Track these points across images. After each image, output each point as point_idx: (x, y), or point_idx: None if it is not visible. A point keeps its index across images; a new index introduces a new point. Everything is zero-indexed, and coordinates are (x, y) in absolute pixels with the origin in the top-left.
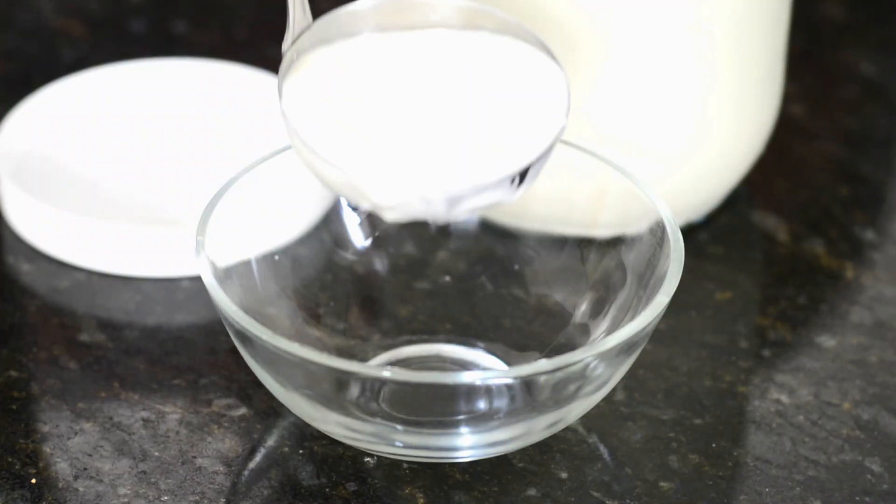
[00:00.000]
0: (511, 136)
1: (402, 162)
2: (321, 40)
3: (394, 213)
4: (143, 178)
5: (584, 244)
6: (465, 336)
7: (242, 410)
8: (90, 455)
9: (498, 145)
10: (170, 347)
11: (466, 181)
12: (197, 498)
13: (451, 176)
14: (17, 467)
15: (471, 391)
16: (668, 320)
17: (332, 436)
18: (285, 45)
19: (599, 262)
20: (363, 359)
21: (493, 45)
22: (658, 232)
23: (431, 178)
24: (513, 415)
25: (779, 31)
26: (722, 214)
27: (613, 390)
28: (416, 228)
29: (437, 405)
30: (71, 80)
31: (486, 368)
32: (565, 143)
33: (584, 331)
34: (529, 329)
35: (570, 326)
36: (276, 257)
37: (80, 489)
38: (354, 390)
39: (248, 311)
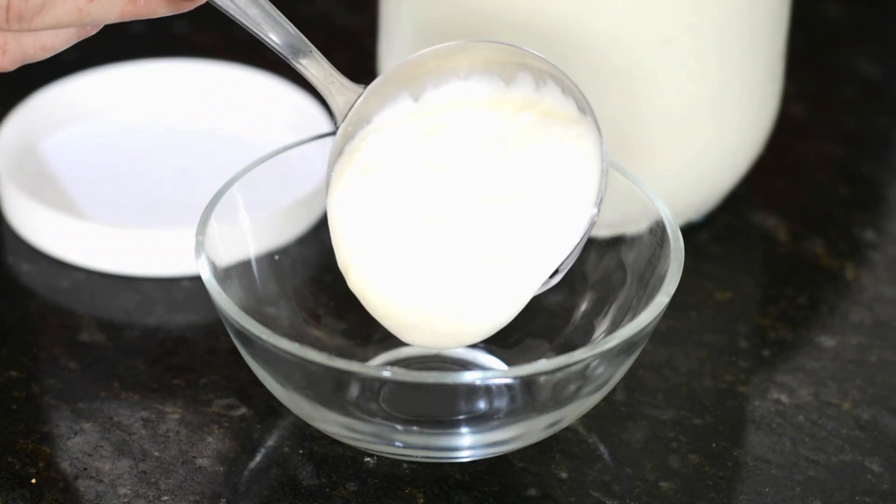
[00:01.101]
0: (540, 241)
1: (435, 306)
2: (376, 106)
3: None
4: (143, 178)
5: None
6: None
7: (242, 410)
8: (90, 455)
9: (528, 258)
10: (170, 347)
11: (501, 316)
12: (197, 498)
13: (484, 314)
14: (17, 467)
15: (471, 391)
16: (668, 320)
17: (332, 436)
18: (337, 122)
19: (599, 262)
20: (363, 359)
21: (531, 118)
22: (658, 232)
23: (461, 328)
24: (513, 415)
25: (779, 31)
26: (722, 214)
27: (613, 390)
28: None
29: (437, 405)
30: (71, 80)
31: (486, 368)
32: None
33: (585, 331)
34: (529, 329)
35: (571, 326)
36: (276, 257)
37: (80, 489)
38: (354, 390)
39: (248, 311)
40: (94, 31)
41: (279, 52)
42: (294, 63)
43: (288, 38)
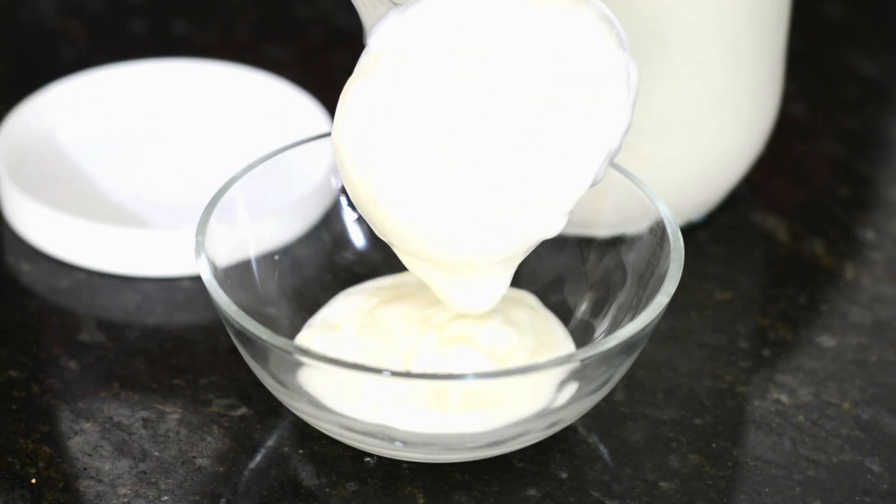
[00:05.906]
0: (557, 173)
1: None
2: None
3: None
4: (143, 178)
5: (584, 244)
6: None
7: (242, 410)
8: (90, 455)
9: (544, 190)
10: (170, 347)
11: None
12: (197, 498)
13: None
14: (17, 467)
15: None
16: (668, 320)
17: (332, 436)
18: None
19: (599, 262)
20: None
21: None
22: (658, 232)
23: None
24: None
25: (779, 31)
26: (722, 214)
27: (613, 390)
28: None
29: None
30: (71, 80)
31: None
32: None
33: (585, 330)
34: None
35: (571, 326)
36: (276, 257)
37: (80, 489)
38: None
39: (248, 311)
40: None
41: None
42: None
43: None
